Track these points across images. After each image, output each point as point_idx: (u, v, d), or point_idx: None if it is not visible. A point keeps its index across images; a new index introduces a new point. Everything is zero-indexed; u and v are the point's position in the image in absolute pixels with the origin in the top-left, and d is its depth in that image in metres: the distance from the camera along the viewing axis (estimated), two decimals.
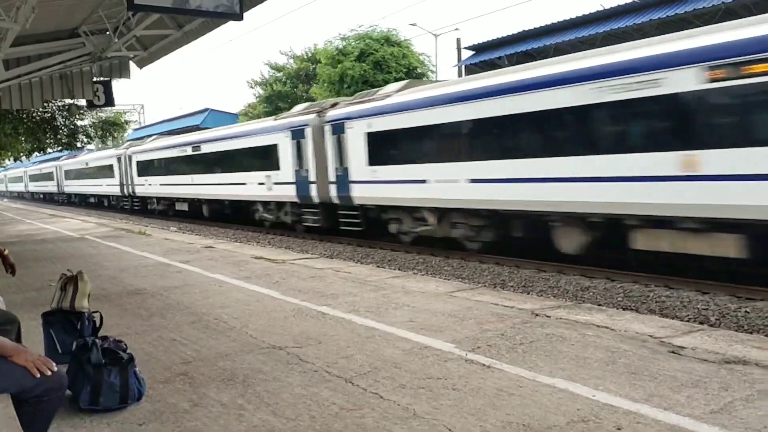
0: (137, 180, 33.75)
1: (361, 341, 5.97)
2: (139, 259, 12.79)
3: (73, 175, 47.45)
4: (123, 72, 15.29)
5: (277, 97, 39.70)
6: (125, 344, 4.98)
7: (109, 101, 15.79)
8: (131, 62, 14.97)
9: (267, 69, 42.20)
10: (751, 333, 7.88)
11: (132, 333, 6.65)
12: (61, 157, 48.81)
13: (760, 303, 9.26)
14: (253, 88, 44.35)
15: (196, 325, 6.95)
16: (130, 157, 34.29)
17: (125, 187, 35.52)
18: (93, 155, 42.17)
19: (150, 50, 13.62)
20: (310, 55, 38.88)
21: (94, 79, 15.43)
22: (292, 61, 41.07)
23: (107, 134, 27.40)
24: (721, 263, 10.49)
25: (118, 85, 31.72)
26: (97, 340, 4.77)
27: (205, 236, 20.34)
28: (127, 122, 31.88)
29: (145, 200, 34.22)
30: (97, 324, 5.68)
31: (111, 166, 37.22)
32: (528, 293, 10.96)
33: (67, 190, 50.64)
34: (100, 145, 41.92)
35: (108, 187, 38.57)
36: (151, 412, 4.48)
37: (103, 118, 28.95)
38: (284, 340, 6.13)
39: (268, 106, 39.71)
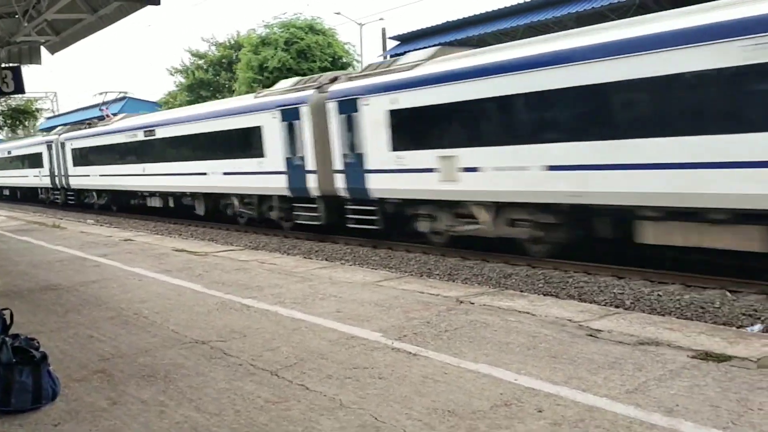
0: (72, 170, 29.92)
1: (287, 333, 5.91)
2: (54, 254, 12.24)
3: None
4: (33, 58, 14.53)
5: (198, 85, 38.79)
6: (38, 342, 4.76)
7: (19, 88, 14.95)
8: (42, 47, 14.25)
9: (188, 56, 41.25)
10: (663, 315, 8.24)
11: (46, 330, 6.36)
12: None
13: (671, 287, 9.70)
14: (173, 75, 43.20)
15: (114, 320, 6.72)
16: (63, 145, 30.30)
17: (57, 178, 31.74)
18: (17, 143, 37.90)
19: (62, 35, 12.99)
20: (233, 42, 38.15)
21: (3, 65, 14.61)
22: (214, 48, 40.19)
23: (17, 123, 25.95)
24: (636, 250, 10.91)
25: (28, 71, 30.21)
26: (7, 339, 4.54)
27: (124, 228, 19.68)
28: (38, 110, 30.36)
29: (81, 193, 30.52)
30: (8, 322, 5.39)
31: (39, 155, 33.09)
32: (453, 281, 11.11)
33: None
34: (10, 135, 39.67)
35: (35, 178, 34.36)
36: (66, 411, 4.30)
37: (13, 106, 27.48)
38: (207, 334, 5.99)
39: (190, 95, 38.73)
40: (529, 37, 12.87)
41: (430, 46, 19.69)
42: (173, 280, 8.77)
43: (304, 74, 28.99)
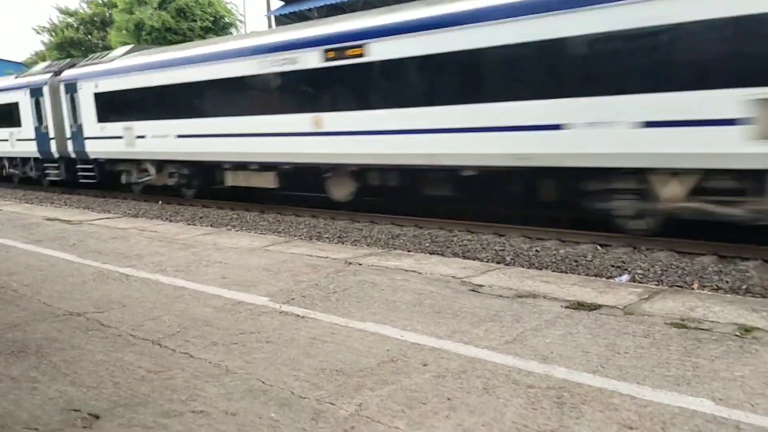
0: (96, 129, 19.66)
1: (170, 302, 5.72)
2: None
3: None
4: None
5: (69, 44, 36.22)
6: None
7: None
8: None
9: (57, 14, 38.34)
10: (540, 269, 8.65)
11: None
12: None
13: (548, 242, 10.19)
14: (40, 34, 40.12)
15: None
16: (72, 87, 19.44)
17: (56, 142, 20.63)
18: None
19: None
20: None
21: None
22: (85, 5, 37.62)
23: None
24: (518, 208, 11.40)
25: None
26: None
27: None
28: None
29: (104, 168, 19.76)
30: None
31: (13, 108, 22.40)
32: (343, 243, 11.14)
33: None
34: None
35: (4, 143, 23.48)
36: None
37: None
38: (83, 306, 5.70)
39: (60, 54, 36.12)
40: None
41: (317, 8, 19.39)
42: (45, 251, 8.25)
43: (184, 34, 27.77)
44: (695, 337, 4.21)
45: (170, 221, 13.89)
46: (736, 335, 4.22)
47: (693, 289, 7.35)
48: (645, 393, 3.46)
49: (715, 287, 7.59)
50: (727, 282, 7.70)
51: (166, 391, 3.85)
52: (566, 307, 4.97)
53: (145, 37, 27.65)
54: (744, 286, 7.53)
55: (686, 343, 4.12)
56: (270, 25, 25.84)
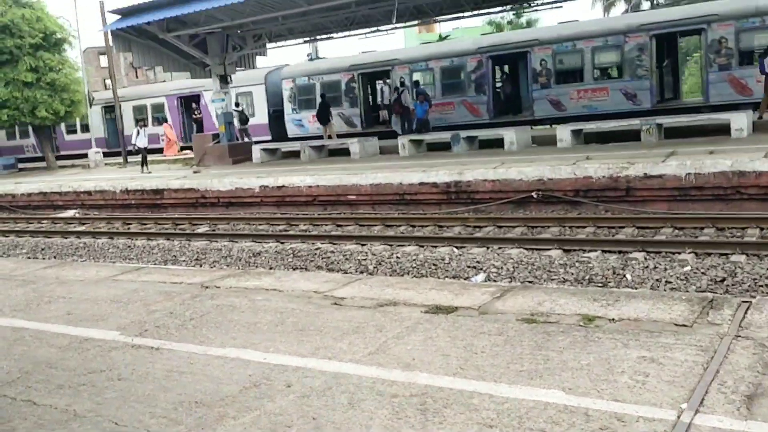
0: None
1: (8, 345, 5.23)
2: None
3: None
4: None
5: None
6: None
7: None
8: None
9: None
10: (401, 276, 8.84)
11: None
12: None
13: (408, 248, 10.43)
14: None
15: None
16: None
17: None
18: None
19: None
20: None
21: None
22: None
23: None
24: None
25: None
26: None
27: None
28: None
29: None
30: None
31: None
32: (201, 266, 10.79)
33: None
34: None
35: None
36: None
37: None
38: None
39: None
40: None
41: (156, 21, 18.65)
42: None
43: (11, 52, 25.69)
44: (544, 331, 4.45)
45: (7, 256, 12.81)
46: (581, 325, 4.50)
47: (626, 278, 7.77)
48: (502, 390, 3.60)
49: (562, 279, 8.11)
50: (572, 274, 8.25)
51: None
52: (425, 312, 5.09)
53: None
54: (587, 277, 8.10)
55: (537, 338, 4.34)
56: (107, 41, 24.55)
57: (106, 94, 32.69)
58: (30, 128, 31.10)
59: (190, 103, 29.73)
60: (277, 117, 26.48)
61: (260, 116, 26.91)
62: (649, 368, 3.71)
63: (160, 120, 29.67)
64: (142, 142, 22.37)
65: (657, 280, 7.73)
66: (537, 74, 21.14)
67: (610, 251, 9.12)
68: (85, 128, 31.21)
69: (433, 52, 23.45)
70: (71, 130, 32.83)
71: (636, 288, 7.44)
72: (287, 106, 26.02)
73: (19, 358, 4.92)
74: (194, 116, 29.40)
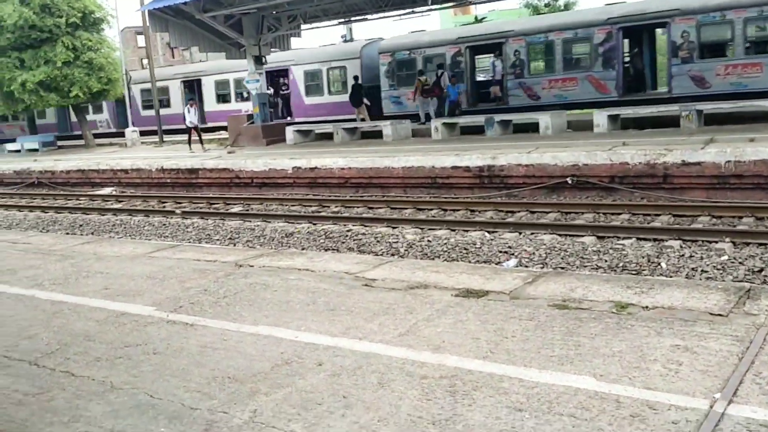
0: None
1: (47, 318, 5.38)
2: None
3: None
4: None
5: None
6: None
7: None
8: None
9: None
10: (432, 259, 8.84)
11: None
12: None
13: (439, 232, 10.42)
14: None
15: None
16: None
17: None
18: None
19: None
20: None
21: None
22: None
23: None
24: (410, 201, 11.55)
25: None
26: None
27: None
28: None
29: None
30: None
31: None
32: (234, 245, 10.92)
33: None
34: None
35: None
36: None
37: None
38: None
39: None
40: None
41: (192, 1, 18.76)
42: None
43: (50, 30, 26.06)
44: (576, 317, 4.42)
45: (47, 231, 13.12)
46: (613, 312, 4.46)
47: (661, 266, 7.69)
48: (532, 375, 3.60)
49: (595, 266, 8.03)
50: (606, 261, 8.16)
51: (46, 414, 3.62)
52: (456, 296, 5.09)
53: (7, 35, 25.75)
54: (621, 264, 8.01)
55: (568, 323, 4.31)
56: (144, 21, 24.78)
57: (185, 68, 31.86)
58: (104, 104, 31.60)
59: (277, 78, 28.14)
60: (371, 94, 24.36)
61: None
62: (682, 357, 3.67)
63: (242, 96, 28.16)
64: (192, 119, 22.21)
65: (693, 269, 7.61)
66: (677, 47, 19.12)
67: (645, 239, 9.00)
68: (166, 103, 30.56)
69: (553, 23, 21.56)
70: (147, 106, 31.40)
71: (671, 276, 7.33)
72: (384, 82, 24.14)
73: (58, 330, 5.05)
74: (281, 92, 28.07)
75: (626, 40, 21.49)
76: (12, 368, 4.35)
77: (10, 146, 31.66)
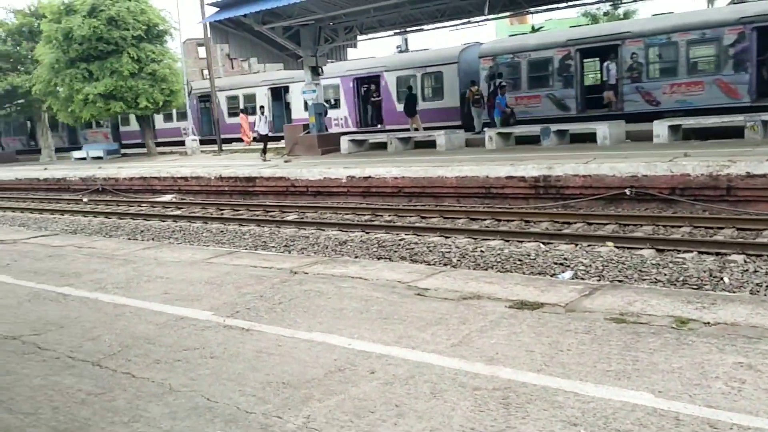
0: None
1: (110, 320, 5.56)
2: None
3: None
4: None
5: None
6: None
7: None
8: None
9: None
10: (486, 270, 8.77)
11: None
12: None
13: (493, 242, 10.34)
14: None
15: None
16: None
17: None
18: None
19: None
20: (33, 9, 34.62)
21: None
22: (12, 16, 36.26)
23: None
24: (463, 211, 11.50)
25: None
26: None
27: None
28: None
29: None
30: None
31: None
32: (289, 252, 11.07)
33: None
34: None
35: None
36: None
37: None
38: (18, 329, 5.48)
39: None
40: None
41: (252, 13, 19.19)
42: None
43: (116, 43, 27.05)
44: (634, 331, 4.32)
45: (110, 236, 13.56)
46: (673, 327, 4.34)
47: (724, 281, 7.51)
48: (587, 389, 3.53)
49: (654, 280, 7.83)
50: (665, 275, 7.95)
51: (107, 413, 3.74)
52: (510, 307, 5.04)
53: (75, 47, 26.83)
54: (681, 278, 7.79)
55: (626, 338, 4.22)
56: (205, 33, 25.44)
57: (272, 74, 31.23)
58: (189, 111, 31.79)
59: (368, 84, 27.80)
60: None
61: (449, 98, 24.55)
62: (745, 375, 3.55)
63: (334, 102, 27.99)
64: (263, 128, 22.27)
65: (757, 284, 7.34)
66: None
67: (707, 252, 8.74)
68: (252, 110, 29.14)
69: (677, 24, 20.09)
70: (233, 113, 31.48)
71: (734, 292, 7.09)
72: (484, 88, 23.04)
73: (119, 332, 5.21)
74: (373, 98, 27.48)
75: (761, 41, 19.62)
76: (76, 368, 4.50)
77: (76, 154, 32.94)
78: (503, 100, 20.55)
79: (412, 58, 26.90)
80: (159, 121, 34.61)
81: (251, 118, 27.89)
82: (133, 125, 35.09)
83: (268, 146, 22.44)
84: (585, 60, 22.61)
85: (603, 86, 21.66)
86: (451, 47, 25.19)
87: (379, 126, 26.32)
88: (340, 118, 28.09)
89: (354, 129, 26.77)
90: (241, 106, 30.14)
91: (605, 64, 21.38)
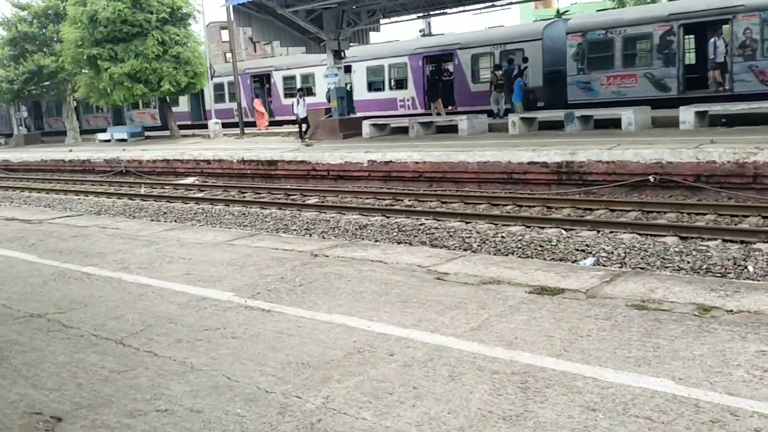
0: None
1: (133, 300, 5.64)
2: None
3: None
4: None
5: (23, 38, 35.29)
6: None
7: None
8: None
9: (9, 7, 37.12)
10: (506, 255, 8.75)
11: None
12: None
13: (514, 228, 10.30)
14: None
15: None
16: None
17: None
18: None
19: None
20: None
21: None
22: None
23: None
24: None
25: None
26: None
27: None
28: None
29: None
30: None
31: None
32: (310, 235, 11.12)
33: None
34: None
35: None
36: None
37: None
38: (44, 307, 5.58)
39: (13, 50, 35.16)
40: None
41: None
42: (3, 252, 8.06)
43: (141, 26, 27.18)
44: (655, 318, 4.29)
45: (133, 218, 13.71)
46: (695, 315, 4.30)
47: (748, 270, 7.42)
48: (607, 375, 3.52)
49: (677, 267, 7.75)
50: (688, 262, 7.87)
51: (130, 390, 3.80)
52: (530, 293, 5.02)
53: (100, 29, 27.02)
54: (704, 266, 7.70)
55: (647, 324, 4.19)
56: (228, 16, 25.45)
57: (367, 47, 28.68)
58: (242, 92, 30.93)
59: (438, 62, 26.40)
60: (553, 79, 22.43)
61: (533, 78, 22.80)
62: (767, 363, 3.51)
63: (396, 83, 26.69)
64: (302, 111, 21.89)
65: None
66: None
67: (731, 240, 8.63)
68: (309, 91, 28.40)
69: None
70: (289, 94, 29.99)
71: (758, 280, 7.00)
72: (571, 66, 21.49)
73: (142, 312, 5.29)
74: (444, 78, 25.92)
75: None
76: (100, 346, 4.58)
77: (101, 136, 33.27)
78: (522, 82, 20.40)
79: (488, 35, 25.18)
80: (209, 101, 32.95)
81: (289, 101, 27.06)
82: (183, 106, 34.25)
83: (290, 129, 22.38)
84: (686, 36, 20.62)
85: (704, 65, 20.10)
86: (533, 23, 23.68)
87: (449, 108, 24.38)
88: (407, 99, 26.49)
89: (421, 111, 25.35)
90: (299, 86, 28.57)
91: (712, 40, 19.36)
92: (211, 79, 30.50)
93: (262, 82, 32.16)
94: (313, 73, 29.26)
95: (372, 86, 27.58)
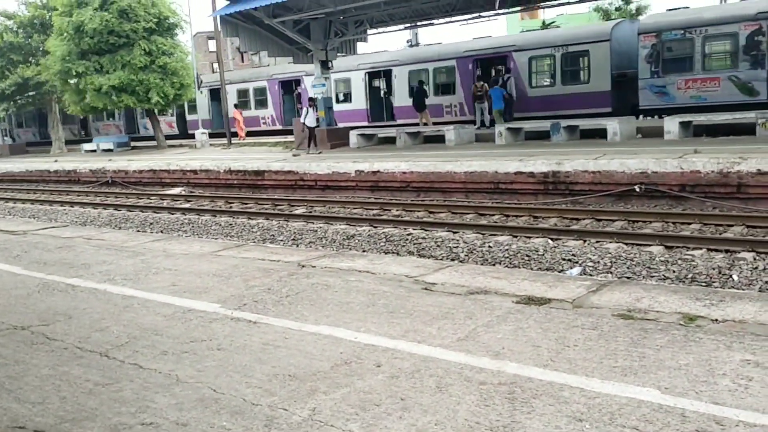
0: None
1: (118, 311, 5.59)
2: None
3: None
4: None
5: (9, 48, 35.08)
6: None
7: None
8: None
9: None
10: (493, 265, 8.76)
11: None
12: None
13: (501, 238, 10.32)
14: None
15: None
16: None
17: None
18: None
19: None
20: (44, 1, 34.75)
21: None
22: (24, 8, 36.41)
23: None
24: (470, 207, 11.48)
25: None
26: None
27: None
28: None
29: None
30: None
31: None
32: (297, 246, 11.09)
33: None
34: None
35: None
36: None
37: None
38: (27, 319, 5.52)
39: (0, 60, 34.94)
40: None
41: (262, 7, 19.15)
42: None
43: (128, 36, 27.10)
44: (641, 328, 4.31)
45: (119, 228, 13.62)
46: (681, 324, 4.33)
47: (733, 279, 7.48)
48: (594, 385, 3.52)
49: (662, 277, 7.79)
50: (674, 272, 7.92)
51: (114, 404, 3.76)
52: (517, 303, 5.03)
53: (87, 40, 26.90)
54: (690, 275, 7.75)
55: (633, 334, 4.21)
56: (216, 26, 25.45)
57: (372, 57, 28.28)
58: (270, 99, 30.55)
59: (490, 65, 24.63)
60: (620, 83, 21.27)
61: (597, 81, 21.66)
62: (752, 372, 3.53)
63: (442, 88, 25.45)
64: (311, 121, 21.68)
65: (766, 281, 7.30)
66: None
67: (716, 250, 8.69)
68: (345, 98, 27.93)
69: None
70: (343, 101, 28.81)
71: (743, 289, 7.05)
72: (644, 68, 20.10)
73: (127, 324, 5.24)
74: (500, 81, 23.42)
75: None
76: (84, 359, 4.53)
77: (86, 146, 33.06)
78: (503, 92, 20.58)
79: (550, 36, 24.21)
80: (231, 109, 31.50)
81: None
82: (202, 112, 32.65)
83: (275, 139, 22.40)
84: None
85: None
86: (600, 24, 22.32)
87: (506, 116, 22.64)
88: (454, 105, 24.96)
89: (470, 117, 23.76)
90: (336, 91, 27.37)
91: None
92: (198, 88, 30.41)
93: (291, 87, 30.84)
94: (349, 78, 28.08)
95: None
